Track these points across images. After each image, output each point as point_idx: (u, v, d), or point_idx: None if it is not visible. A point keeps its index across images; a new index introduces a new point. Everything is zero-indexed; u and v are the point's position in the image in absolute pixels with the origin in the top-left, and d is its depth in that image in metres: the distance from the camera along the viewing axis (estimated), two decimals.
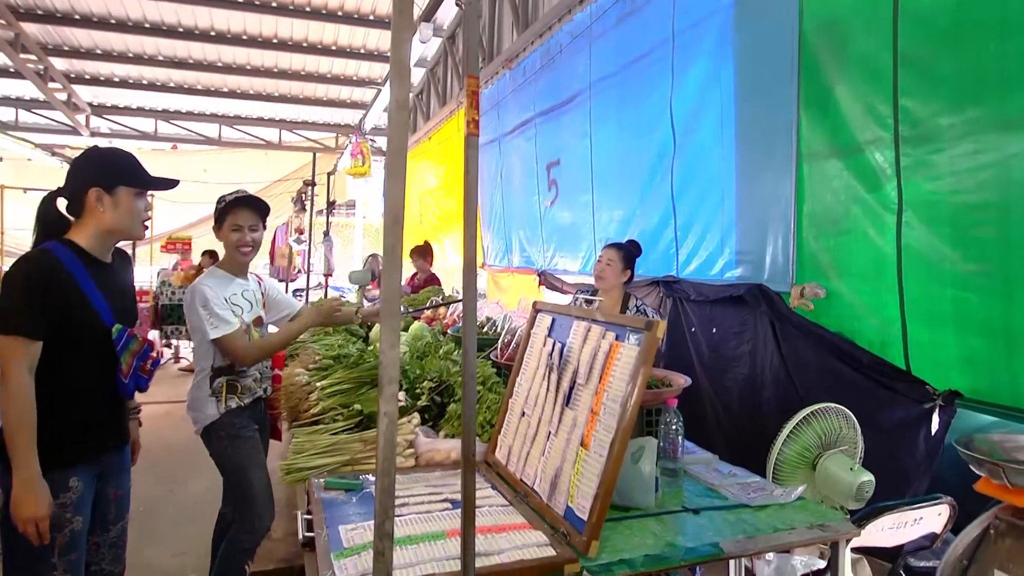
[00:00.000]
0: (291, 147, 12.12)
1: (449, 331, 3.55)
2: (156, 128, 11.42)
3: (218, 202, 2.56)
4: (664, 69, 3.83)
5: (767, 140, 3.16)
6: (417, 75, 10.16)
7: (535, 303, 2.13)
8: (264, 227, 2.65)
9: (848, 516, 1.73)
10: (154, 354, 2.00)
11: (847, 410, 2.06)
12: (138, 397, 2.09)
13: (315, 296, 7.11)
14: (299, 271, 10.60)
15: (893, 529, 1.79)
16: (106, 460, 1.93)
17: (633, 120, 4.25)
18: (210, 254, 8.21)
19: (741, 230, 3.37)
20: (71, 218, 1.86)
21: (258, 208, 2.59)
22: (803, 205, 2.95)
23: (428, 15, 5.52)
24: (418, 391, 2.49)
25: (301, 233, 10.14)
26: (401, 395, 2.44)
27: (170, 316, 8.70)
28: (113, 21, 7.87)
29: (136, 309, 2.04)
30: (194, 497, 3.92)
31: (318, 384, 2.55)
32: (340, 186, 11.07)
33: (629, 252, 3.16)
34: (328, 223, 7.03)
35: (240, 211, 2.52)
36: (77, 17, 7.73)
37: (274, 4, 7.46)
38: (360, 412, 2.34)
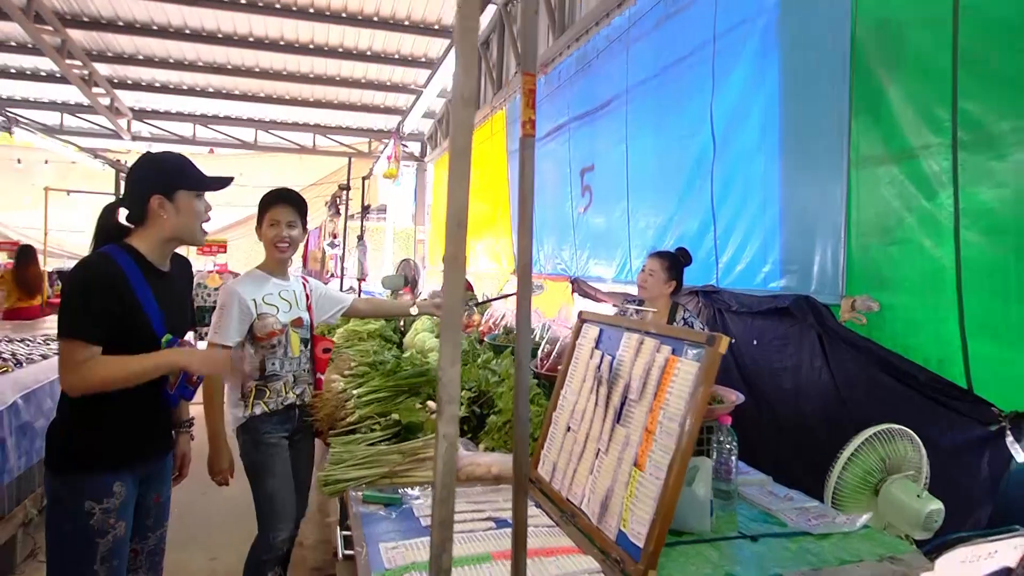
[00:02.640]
0: (325, 152, 12.23)
1: (486, 339, 3.50)
2: (195, 132, 11.64)
3: (260, 201, 2.56)
4: (704, 73, 3.74)
5: (815, 145, 3.04)
6: (448, 82, 10.17)
7: (580, 313, 2.06)
8: (304, 226, 2.61)
9: (916, 547, 1.63)
10: None
11: (912, 432, 1.94)
12: None
13: None
14: (332, 275, 10.69)
15: (966, 563, 1.67)
16: (149, 467, 1.92)
17: (671, 125, 4.15)
18: None
19: (786, 239, 3.25)
20: (130, 226, 1.86)
21: (295, 204, 2.56)
22: (853, 213, 2.83)
23: None
24: None
25: (335, 237, 10.21)
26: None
27: (204, 318, 8.83)
28: (155, 27, 8.04)
29: (189, 319, 2.02)
30: (229, 500, 3.91)
31: (354, 392, 2.52)
32: (372, 191, 11.15)
33: (675, 261, 3.00)
34: (363, 227, 7.04)
35: (278, 207, 2.51)
36: (121, 24, 7.92)
37: (311, 10, 7.54)
38: (398, 422, 2.30)
